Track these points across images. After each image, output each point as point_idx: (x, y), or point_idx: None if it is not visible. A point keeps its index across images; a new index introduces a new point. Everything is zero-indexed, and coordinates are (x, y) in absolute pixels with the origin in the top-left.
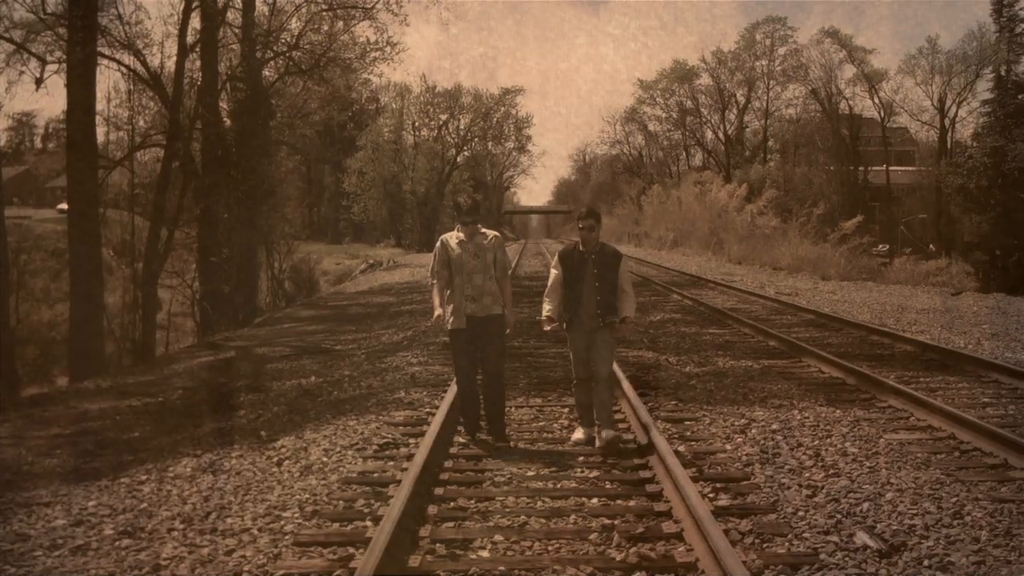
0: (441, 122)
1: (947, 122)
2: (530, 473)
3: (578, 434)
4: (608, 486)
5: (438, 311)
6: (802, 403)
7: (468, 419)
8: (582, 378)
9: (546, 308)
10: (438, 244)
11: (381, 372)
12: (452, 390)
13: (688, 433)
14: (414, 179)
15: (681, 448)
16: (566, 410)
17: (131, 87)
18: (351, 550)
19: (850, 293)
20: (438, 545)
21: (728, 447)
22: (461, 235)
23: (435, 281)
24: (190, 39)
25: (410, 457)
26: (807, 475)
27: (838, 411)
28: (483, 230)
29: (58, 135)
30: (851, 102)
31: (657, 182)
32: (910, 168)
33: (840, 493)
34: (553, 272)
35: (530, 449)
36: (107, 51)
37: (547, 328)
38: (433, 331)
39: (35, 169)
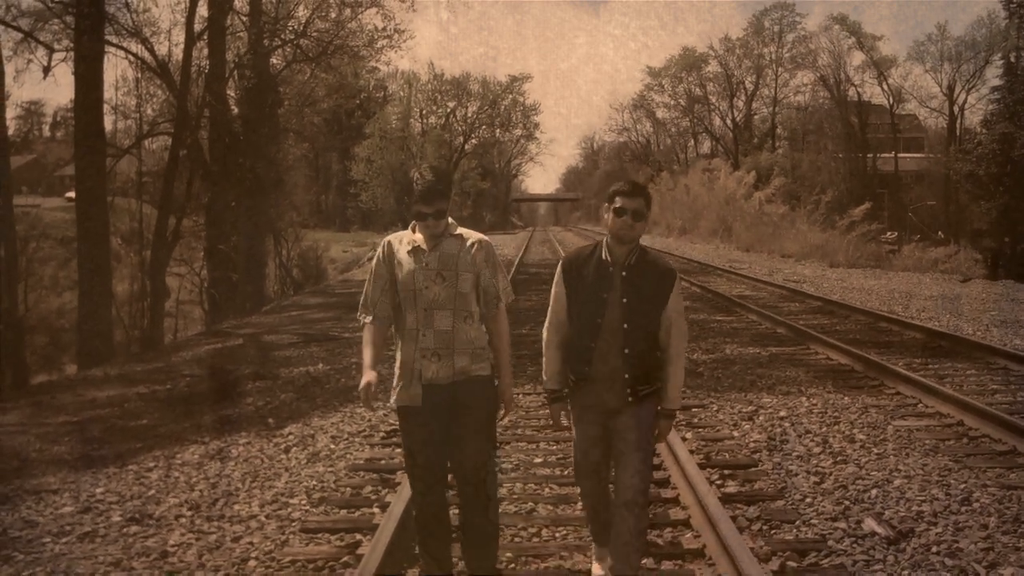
0: (449, 110)
1: (956, 109)
2: (537, 460)
3: (598, 570)
4: None
5: (367, 376)
6: (810, 390)
7: (429, 558)
8: (590, 490)
9: (550, 370)
10: (378, 252)
11: (389, 359)
12: None
13: (696, 420)
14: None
15: (688, 435)
16: None
17: (139, 75)
18: (358, 536)
19: (858, 280)
20: None
21: (736, 434)
22: (417, 238)
23: (369, 321)
24: (198, 27)
25: None
26: (815, 462)
27: (846, 398)
28: (458, 230)
29: (66, 124)
30: (860, 89)
31: (665, 169)
32: (919, 155)
33: (848, 480)
34: (555, 292)
35: None
36: (115, 39)
37: (559, 416)
38: None
39: (44, 157)
